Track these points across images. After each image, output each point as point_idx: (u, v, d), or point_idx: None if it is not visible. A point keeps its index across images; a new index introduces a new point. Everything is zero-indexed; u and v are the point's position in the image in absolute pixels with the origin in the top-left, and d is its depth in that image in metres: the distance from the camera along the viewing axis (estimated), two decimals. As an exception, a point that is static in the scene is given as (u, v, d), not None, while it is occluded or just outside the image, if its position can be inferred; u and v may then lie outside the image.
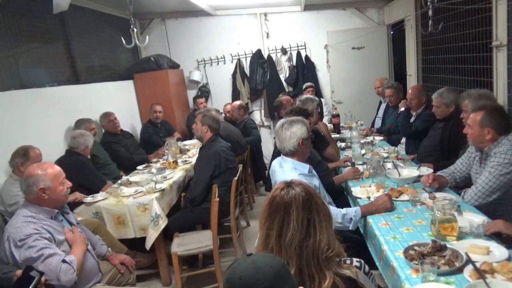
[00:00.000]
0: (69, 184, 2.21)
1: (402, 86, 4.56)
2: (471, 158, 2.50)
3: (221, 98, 6.34)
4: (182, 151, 4.65)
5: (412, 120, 3.91)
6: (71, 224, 2.23)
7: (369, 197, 2.47)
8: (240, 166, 3.58)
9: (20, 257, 1.90)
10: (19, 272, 1.81)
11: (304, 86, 5.71)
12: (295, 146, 2.38)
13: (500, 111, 2.31)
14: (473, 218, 1.98)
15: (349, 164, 3.28)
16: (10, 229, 1.97)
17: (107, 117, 4.39)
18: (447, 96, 3.23)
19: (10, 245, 1.93)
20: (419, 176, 2.67)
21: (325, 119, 5.35)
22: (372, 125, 5.04)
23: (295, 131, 2.37)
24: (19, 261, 1.90)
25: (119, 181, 3.60)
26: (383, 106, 4.97)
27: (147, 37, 3.93)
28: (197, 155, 3.65)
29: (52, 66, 4.15)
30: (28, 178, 2.06)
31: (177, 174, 3.75)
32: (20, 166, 2.82)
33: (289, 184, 1.31)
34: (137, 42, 3.20)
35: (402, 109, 3.93)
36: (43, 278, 1.81)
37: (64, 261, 1.92)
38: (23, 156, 2.84)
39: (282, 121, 2.47)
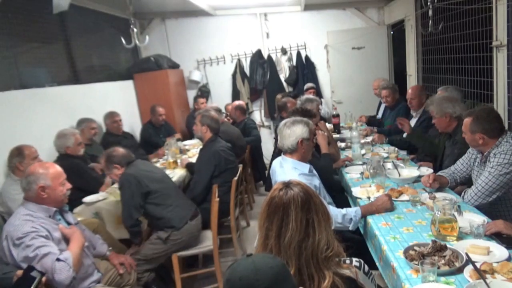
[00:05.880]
0: (69, 185, 2.22)
1: (398, 87, 4.57)
2: (471, 159, 2.50)
3: (221, 98, 6.33)
4: (182, 151, 4.64)
5: (414, 120, 3.92)
6: (68, 223, 2.23)
7: (369, 197, 2.47)
8: (240, 166, 3.58)
9: (18, 257, 1.90)
10: (19, 272, 1.80)
11: (305, 87, 5.70)
12: (293, 145, 2.40)
13: (487, 114, 2.23)
14: (473, 218, 1.98)
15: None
16: (8, 228, 1.97)
17: (112, 117, 4.37)
18: (452, 91, 3.25)
19: (9, 243, 1.93)
20: (419, 176, 2.67)
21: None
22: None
23: (295, 129, 2.40)
24: (17, 261, 1.90)
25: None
26: (383, 106, 4.97)
27: (147, 37, 3.94)
28: (197, 155, 3.65)
29: (52, 66, 4.14)
30: (29, 175, 2.07)
31: (177, 174, 3.74)
32: (19, 166, 2.82)
33: (287, 185, 1.31)
34: (137, 42, 3.21)
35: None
36: (43, 278, 1.79)
37: (58, 259, 1.90)
38: (19, 155, 2.84)
39: (287, 119, 2.52)
